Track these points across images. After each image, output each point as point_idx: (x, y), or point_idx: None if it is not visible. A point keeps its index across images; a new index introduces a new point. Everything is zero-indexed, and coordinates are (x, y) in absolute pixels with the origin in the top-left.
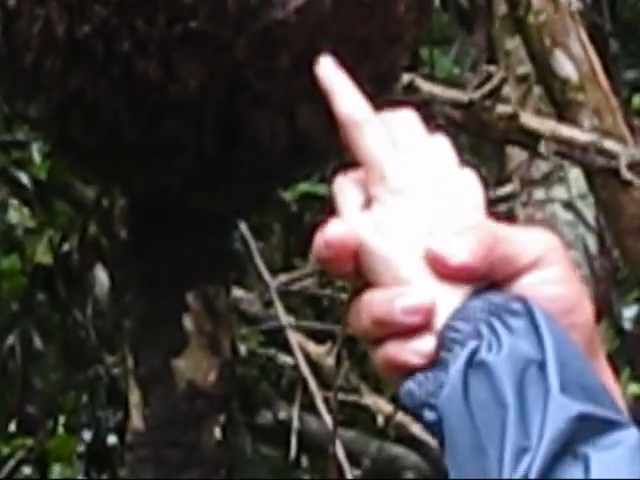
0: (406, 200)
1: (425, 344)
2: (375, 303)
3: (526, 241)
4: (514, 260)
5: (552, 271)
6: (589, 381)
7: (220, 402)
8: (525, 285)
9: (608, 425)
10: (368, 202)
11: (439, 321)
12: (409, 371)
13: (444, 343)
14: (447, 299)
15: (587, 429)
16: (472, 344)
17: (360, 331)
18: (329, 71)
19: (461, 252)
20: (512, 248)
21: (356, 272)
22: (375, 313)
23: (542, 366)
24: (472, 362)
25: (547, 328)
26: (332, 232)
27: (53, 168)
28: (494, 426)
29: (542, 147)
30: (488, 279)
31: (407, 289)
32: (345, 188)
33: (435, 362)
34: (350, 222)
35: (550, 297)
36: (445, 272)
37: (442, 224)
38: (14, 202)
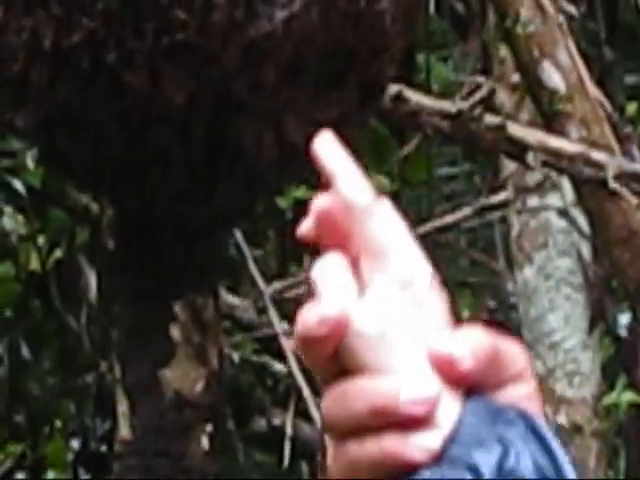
0: (410, 292)
1: (432, 439)
2: (377, 390)
3: (514, 354)
4: (504, 370)
5: (530, 386)
6: None
7: (208, 412)
8: (509, 396)
9: None
10: (361, 289)
11: (439, 415)
12: (408, 468)
13: (456, 440)
14: (445, 395)
15: None
16: (497, 449)
17: (345, 421)
18: (329, 150)
19: (470, 357)
20: (505, 359)
21: (333, 358)
22: (376, 401)
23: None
24: (502, 468)
25: (551, 437)
26: (328, 309)
27: (47, 175)
28: None
29: (530, 158)
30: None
31: (413, 378)
32: (332, 273)
33: (439, 458)
34: (344, 303)
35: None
36: (450, 374)
37: (443, 321)
38: (8, 209)
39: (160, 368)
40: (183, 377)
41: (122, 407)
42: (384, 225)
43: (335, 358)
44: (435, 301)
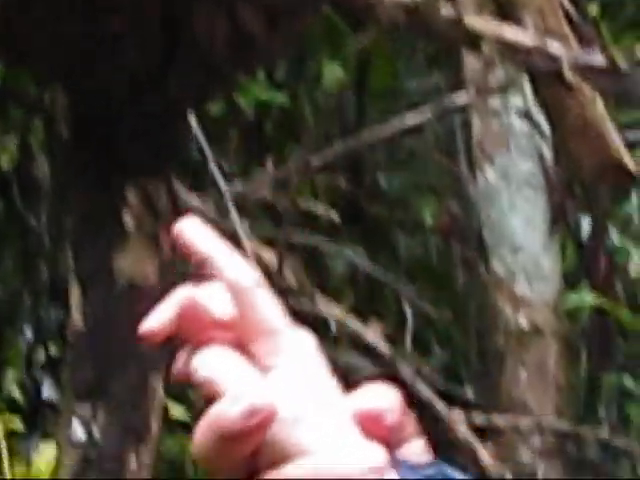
0: (304, 366)
1: None
2: (324, 471)
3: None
4: (407, 426)
5: (421, 441)
6: None
7: (161, 300)
8: (409, 453)
9: None
10: (262, 372)
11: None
12: None
13: None
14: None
15: None
16: None
17: None
18: (197, 234)
19: (392, 410)
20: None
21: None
22: (333, 477)
23: None
24: None
25: None
26: (256, 399)
27: (8, 73)
28: None
29: (484, 48)
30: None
31: (353, 448)
32: (226, 365)
33: None
34: (263, 390)
35: None
36: (378, 429)
37: (336, 386)
38: None
39: (113, 254)
40: (136, 265)
41: (75, 296)
42: (269, 303)
43: (251, 454)
44: (323, 368)
